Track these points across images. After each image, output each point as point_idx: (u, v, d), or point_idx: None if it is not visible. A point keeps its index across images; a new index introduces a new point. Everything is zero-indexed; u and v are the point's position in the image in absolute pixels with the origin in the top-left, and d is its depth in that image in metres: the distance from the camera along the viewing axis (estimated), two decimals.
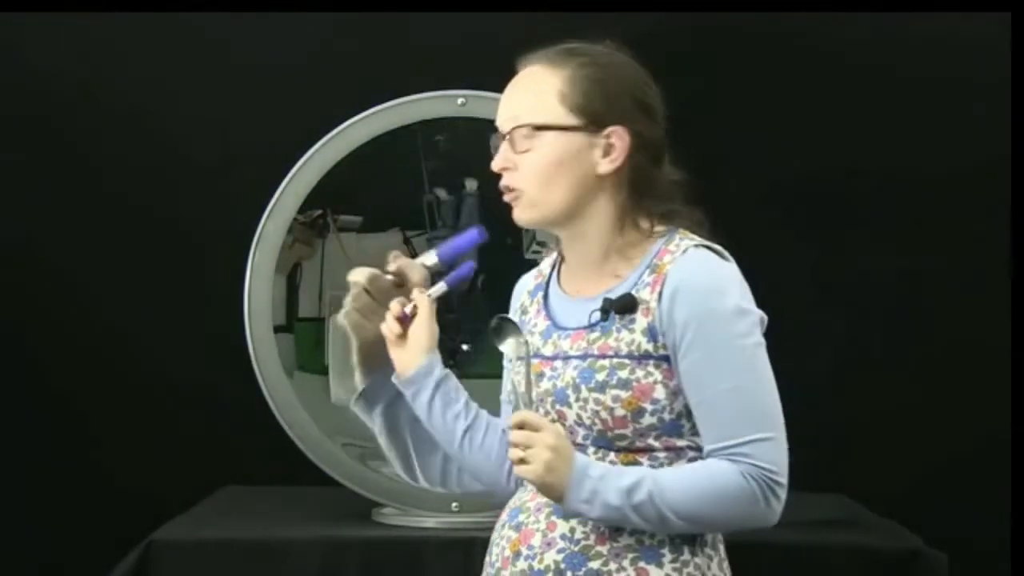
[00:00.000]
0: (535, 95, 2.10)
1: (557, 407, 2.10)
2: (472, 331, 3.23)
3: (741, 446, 2.01)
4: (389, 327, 2.18)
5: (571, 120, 2.08)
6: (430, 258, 2.23)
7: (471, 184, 3.32)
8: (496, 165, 2.13)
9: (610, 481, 2.00)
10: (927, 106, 3.88)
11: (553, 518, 2.10)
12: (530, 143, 2.09)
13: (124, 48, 3.88)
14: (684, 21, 3.63)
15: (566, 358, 2.10)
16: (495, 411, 2.25)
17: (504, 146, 2.12)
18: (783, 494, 2.04)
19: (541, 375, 2.12)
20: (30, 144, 3.89)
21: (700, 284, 2.04)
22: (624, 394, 2.04)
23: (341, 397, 3.29)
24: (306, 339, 3.30)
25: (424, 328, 2.16)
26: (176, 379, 3.86)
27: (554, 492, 2.01)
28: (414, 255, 3.27)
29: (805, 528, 3.09)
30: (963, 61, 3.86)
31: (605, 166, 2.09)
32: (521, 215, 2.13)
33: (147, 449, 3.87)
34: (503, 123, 2.14)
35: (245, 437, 3.64)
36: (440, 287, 2.20)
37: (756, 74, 3.79)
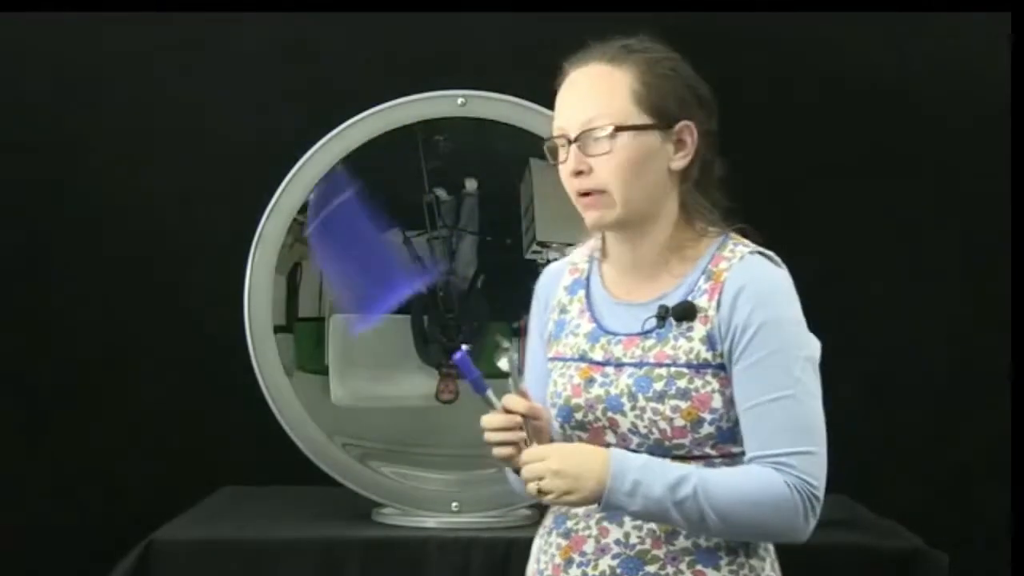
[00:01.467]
0: (608, 96, 2.08)
1: (609, 414, 2.08)
2: (472, 331, 3.23)
3: (788, 456, 2.00)
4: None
5: (645, 119, 2.07)
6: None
7: (471, 184, 3.32)
8: (571, 169, 2.08)
9: (654, 471, 1.99)
10: (927, 106, 3.88)
11: (604, 523, 2.08)
12: (608, 145, 2.06)
13: (124, 48, 3.88)
14: (683, 21, 3.63)
15: (619, 365, 2.08)
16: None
17: (575, 149, 2.08)
18: (819, 511, 2.03)
19: (592, 380, 2.09)
20: (28, 145, 3.89)
21: (761, 289, 2.04)
22: (683, 404, 2.03)
23: (341, 397, 3.30)
24: (306, 339, 3.29)
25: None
26: (176, 379, 3.86)
27: (589, 501, 2.01)
28: (415, 255, 3.29)
29: None
30: (963, 61, 3.86)
31: (678, 162, 2.09)
32: (602, 217, 2.09)
33: (147, 449, 3.87)
34: (573, 126, 2.08)
35: (245, 437, 3.64)
36: (489, 399, 2.11)
37: (754, 74, 3.79)
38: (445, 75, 3.26)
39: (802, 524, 2.02)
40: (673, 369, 2.04)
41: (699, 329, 2.05)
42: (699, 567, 2.04)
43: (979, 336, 3.87)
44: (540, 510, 2.19)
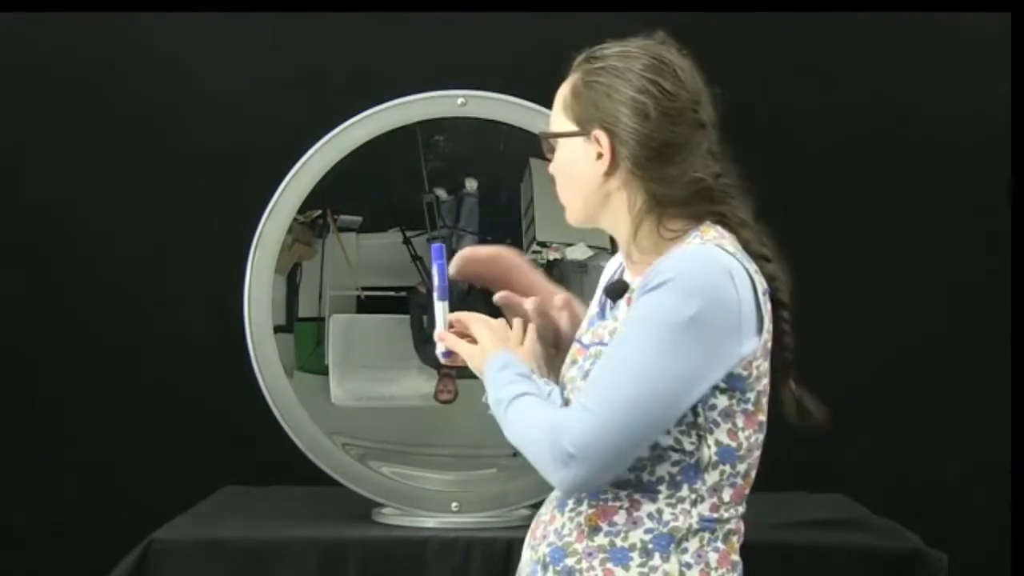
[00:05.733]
0: (555, 106, 2.16)
1: (566, 393, 2.12)
2: None
3: (573, 405, 2.00)
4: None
5: (570, 127, 2.13)
6: (443, 309, 2.25)
7: (471, 184, 3.32)
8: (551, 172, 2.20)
9: (504, 378, 2.08)
10: (927, 106, 3.88)
11: (555, 511, 2.11)
12: (550, 154, 2.16)
13: (125, 48, 3.88)
14: (683, 20, 3.63)
15: (585, 347, 2.12)
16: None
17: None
18: (578, 470, 1.96)
19: (574, 362, 2.13)
20: (27, 147, 3.89)
21: (669, 264, 2.00)
22: None
23: (341, 397, 3.30)
24: (306, 339, 3.29)
25: (466, 352, 2.20)
26: (176, 379, 3.86)
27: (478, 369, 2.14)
28: (414, 255, 3.30)
29: (805, 528, 3.09)
30: (963, 61, 3.86)
31: (599, 167, 2.10)
32: (568, 220, 2.19)
33: (147, 449, 3.87)
34: None
35: (245, 437, 3.64)
36: (441, 309, 2.23)
37: (755, 74, 3.79)
38: (445, 75, 3.26)
39: (549, 466, 1.98)
40: (598, 349, 2.06)
41: (624, 309, 2.07)
42: (609, 566, 2.04)
43: (979, 335, 3.87)
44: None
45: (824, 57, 3.88)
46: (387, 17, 3.81)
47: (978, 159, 3.85)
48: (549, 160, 2.17)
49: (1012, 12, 3.77)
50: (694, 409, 2.01)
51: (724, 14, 3.75)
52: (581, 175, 2.12)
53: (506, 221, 3.30)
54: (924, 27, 3.85)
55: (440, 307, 2.23)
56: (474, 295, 3.11)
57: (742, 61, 3.78)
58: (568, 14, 3.68)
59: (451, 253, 3.29)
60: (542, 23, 3.74)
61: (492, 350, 2.12)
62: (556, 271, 3.28)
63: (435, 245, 2.25)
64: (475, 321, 2.18)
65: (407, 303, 3.31)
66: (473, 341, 2.20)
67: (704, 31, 3.70)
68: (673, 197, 2.09)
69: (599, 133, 2.09)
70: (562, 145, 2.14)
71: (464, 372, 3.16)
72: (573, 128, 2.12)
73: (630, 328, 1.99)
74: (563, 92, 2.15)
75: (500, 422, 2.06)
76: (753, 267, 2.07)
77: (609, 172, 2.10)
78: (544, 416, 2.00)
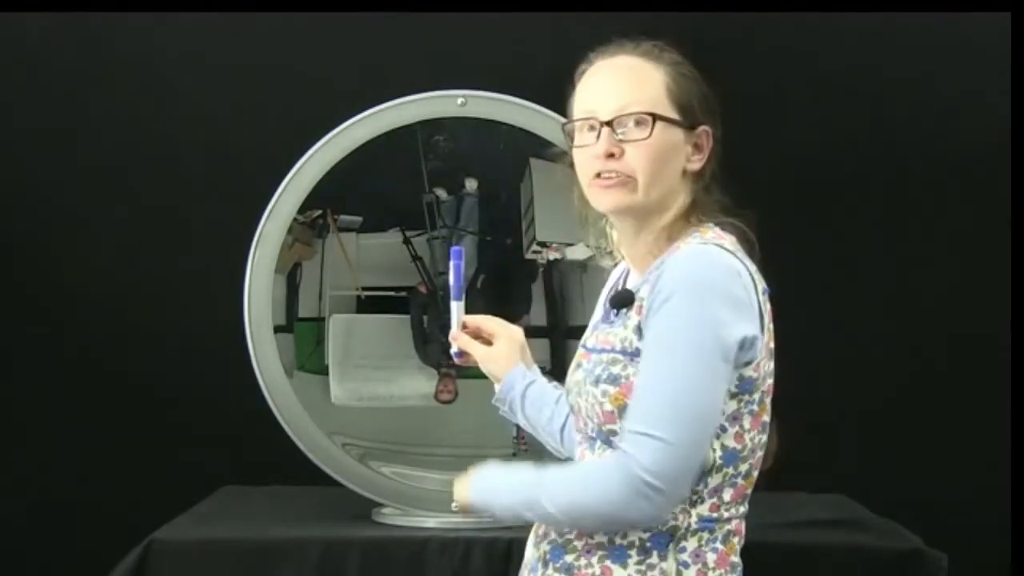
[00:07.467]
0: (645, 86, 2.11)
1: (572, 397, 2.14)
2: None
3: (630, 435, 1.98)
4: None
5: (675, 115, 2.11)
6: (458, 309, 2.27)
7: (471, 184, 3.32)
8: (603, 151, 2.09)
9: (500, 490, 2.11)
10: (927, 106, 3.88)
11: None
12: (641, 132, 2.09)
13: (125, 48, 3.88)
14: (681, 21, 3.63)
15: (590, 351, 2.13)
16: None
17: (607, 132, 2.09)
18: (660, 500, 1.97)
19: (579, 365, 2.14)
20: (28, 146, 3.89)
21: (675, 274, 2.01)
22: (612, 389, 2.04)
23: (341, 397, 3.30)
24: (306, 339, 3.30)
25: (479, 353, 2.23)
26: (176, 379, 3.86)
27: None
28: (414, 255, 3.30)
29: (805, 528, 3.09)
30: (963, 61, 3.86)
31: (694, 164, 2.12)
32: (621, 200, 2.10)
33: (147, 449, 3.87)
34: (608, 110, 2.10)
35: (245, 437, 3.64)
36: (456, 309, 2.25)
37: (754, 74, 3.79)
38: (445, 75, 3.26)
39: (626, 504, 1.97)
40: (611, 355, 2.06)
41: (634, 318, 2.06)
42: (607, 563, 2.05)
43: (979, 336, 3.87)
44: None
45: (824, 57, 3.88)
46: (387, 17, 3.81)
47: (978, 159, 3.85)
48: (640, 134, 2.08)
49: (1012, 12, 3.77)
50: None
51: (722, 15, 3.75)
52: (673, 164, 2.11)
53: (506, 221, 3.30)
54: (924, 27, 3.84)
55: (455, 307, 2.24)
56: (475, 293, 3.11)
57: (741, 61, 3.78)
58: (568, 14, 3.68)
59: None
60: (542, 23, 3.74)
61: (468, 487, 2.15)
62: (556, 271, 3.29)
63: (455, 247, 2.27)
64: (489, 321, 2.19)
65: (407, 303, 3.31)
66: (486, 342, 2.21)
67: (703, 31, 3.70)
68: (717, 200, 2.14)
69: (707, 130, 2.12)
70: (663, 128, 2.10)
71: (464, 372, 3.17)
72: (676, 116, 2.11)
73: (660, 344, 1.99)
74: (659, 77, 2.11)
75: (538, 519, 2.08)
76: (753, 267, 2.08)
77: (699, 171, 2.12)
78: (584, 471, 2.03)
